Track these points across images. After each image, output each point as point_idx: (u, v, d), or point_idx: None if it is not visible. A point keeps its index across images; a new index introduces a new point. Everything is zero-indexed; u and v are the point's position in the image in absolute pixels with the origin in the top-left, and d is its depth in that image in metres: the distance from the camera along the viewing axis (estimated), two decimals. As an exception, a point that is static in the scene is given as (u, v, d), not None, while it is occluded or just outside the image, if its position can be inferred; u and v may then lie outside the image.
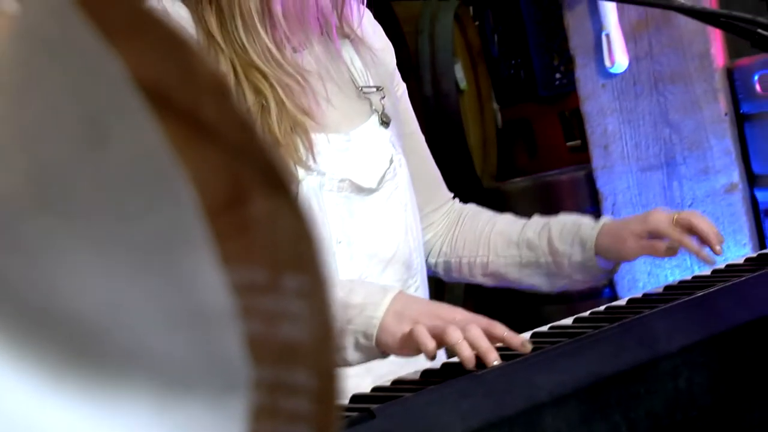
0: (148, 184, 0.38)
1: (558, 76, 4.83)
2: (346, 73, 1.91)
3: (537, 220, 2.02)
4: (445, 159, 5.26)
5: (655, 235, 1.89)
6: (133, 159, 0.38)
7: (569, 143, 4.85)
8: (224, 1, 1.75)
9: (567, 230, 1.95)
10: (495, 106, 5.49)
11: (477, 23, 5.41)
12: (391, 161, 1.88)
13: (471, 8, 5.52)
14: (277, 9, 1.75)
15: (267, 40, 1.75)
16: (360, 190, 1.82)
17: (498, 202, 4.04)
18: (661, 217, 1.90)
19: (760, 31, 1.70)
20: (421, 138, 2.10)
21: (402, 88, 2.06)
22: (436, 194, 2.10)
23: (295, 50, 1.82)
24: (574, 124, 4.51)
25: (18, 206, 0.41)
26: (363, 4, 1.92)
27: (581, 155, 3.57)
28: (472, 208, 2.12)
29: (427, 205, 2.07)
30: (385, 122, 1.91)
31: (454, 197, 2.14)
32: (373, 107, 1.91)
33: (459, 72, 5.43)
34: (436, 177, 2.12)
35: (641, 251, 1.91)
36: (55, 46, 0.38)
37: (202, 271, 0.39)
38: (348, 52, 1.93)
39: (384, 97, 1.93)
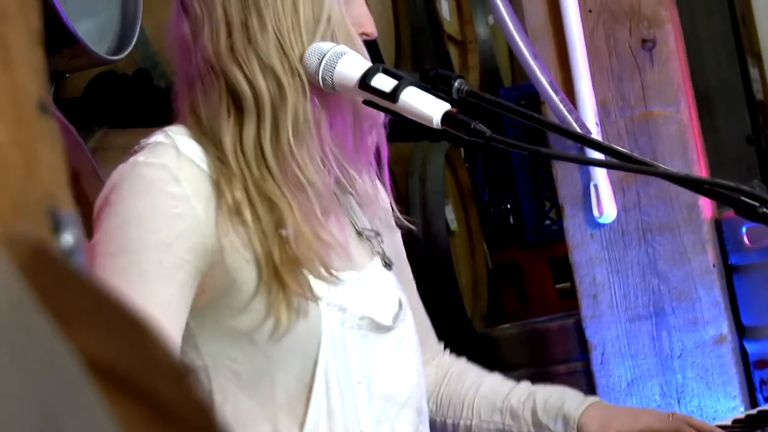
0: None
1: (547, 222, 4.85)
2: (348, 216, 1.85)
3: (523, 387, 1.98)
4: (435, 302, 5.24)
5: None
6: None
7: (559, 285, 4.85)
8: (267, 110, 1.66)
9: (551, 403, 1.92)
10: (485, 248, 5.49)
11: (467, 165, 5.45)
12: (401, 304, 1.82)
13: (462, 150, 5.57)
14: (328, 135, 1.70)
15: (315, 151, 1.69)
16: (378, 328, 1.75)
17: (487, 349, 4.01)
18: (655, 416, 1.90)
19: (743, 198, 1.71)
20: (414, 286, 2.02)
21: (397, 233, 1.99)
22: (429, 346, 2.02)
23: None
24: (565, 266, 4.52)
25: None
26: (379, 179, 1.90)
27: (572, 301, 3.56)
28: (459, 365, 2.05)
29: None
30: (387, 264, 1.85)
31: (444, 348, 2.09)
32: (375, 249, 1.85)
33: (450, 213, 5.45)
34: (429, 328, 2.05)
35: None
36: (12, 342, 0.37)
37: None
38: (347, 196, 1.86)
39: (383, 241, 1.88)
